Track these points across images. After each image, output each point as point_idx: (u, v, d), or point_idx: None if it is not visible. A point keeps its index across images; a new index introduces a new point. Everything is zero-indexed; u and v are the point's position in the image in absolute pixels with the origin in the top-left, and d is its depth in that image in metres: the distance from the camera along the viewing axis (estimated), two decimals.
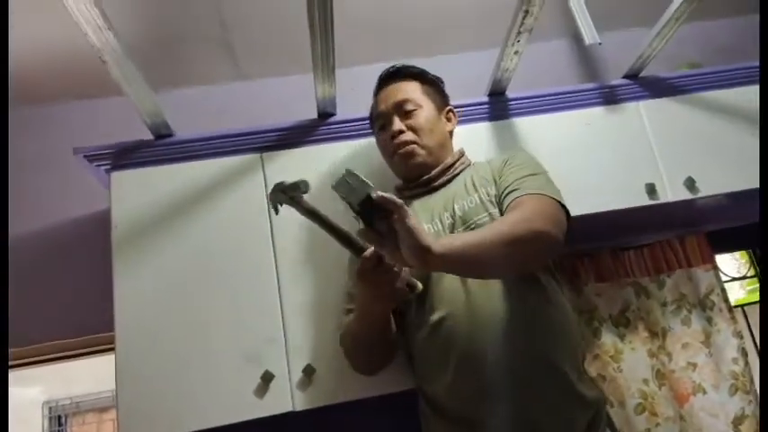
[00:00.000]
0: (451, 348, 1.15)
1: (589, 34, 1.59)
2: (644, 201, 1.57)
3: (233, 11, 1.75)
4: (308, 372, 1.39)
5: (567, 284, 1.74)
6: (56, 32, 1.70)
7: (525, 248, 1.07)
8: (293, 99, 1.87)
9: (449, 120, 1.43)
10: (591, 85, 1.71)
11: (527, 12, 1.37)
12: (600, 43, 1.60)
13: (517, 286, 1.17)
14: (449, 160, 1.37)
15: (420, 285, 1.09)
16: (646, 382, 1.68)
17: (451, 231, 1.24)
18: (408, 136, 1.34)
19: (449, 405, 1.17)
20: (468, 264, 1.02)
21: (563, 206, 1.19)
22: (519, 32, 1.44)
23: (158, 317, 1.42)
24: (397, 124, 1.35)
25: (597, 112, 1.67)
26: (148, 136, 1.59)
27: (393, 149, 1.36)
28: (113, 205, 1.51)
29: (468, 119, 1.63)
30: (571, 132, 1.63)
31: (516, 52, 1.51)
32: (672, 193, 1.59)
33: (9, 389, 1.67)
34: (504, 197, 1.21)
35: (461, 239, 1.07)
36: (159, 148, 1.56)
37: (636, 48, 1.69)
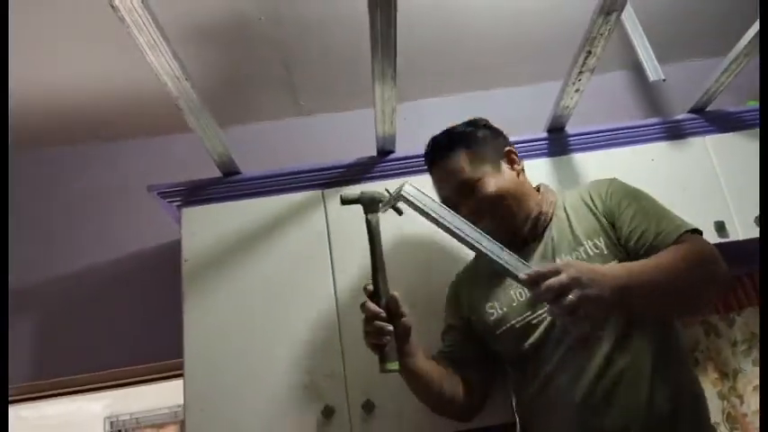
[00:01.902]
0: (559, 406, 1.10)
1: (653, 70, 1.56)
2: (713, 239, 1.52)
3: (295, 51, 1.82)
4: (368, 407, 1.40)
5: None
6: (128, 73, 1.80)
7: (705, 270, 1.01)
8: (352, 132, 1.93)
9: (512, 162, 1.29)
10: (654, 120, 1.68)
11: (590, 52, 1.36)
12: (664, 80, 1.57)
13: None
14: (534, 210, 1.23)
15: (393, 368, 1.06)
16: (717, 425, 1.61)
17: None
18: (483, 213, 1.20)
19: None
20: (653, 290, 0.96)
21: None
22: (581, 72, 1.43)
23: (224, 347, 1.47)
24: (466, 210, 1.20)
25: (662, 147, 1.64)
26: (216, 172, 1.66)
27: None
28: (184, 239, 1.58)
29: (526, 154, 1.63)
30: (635, 168, 1.60)
31: (577, 90, 1.51)
32: (742, 230, 1.53)
33: (73, 404, 1.77)
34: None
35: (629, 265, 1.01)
36: (227, 185, 1.63)
37: (699, 80, 1.66)
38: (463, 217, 1.08)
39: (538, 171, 1.61)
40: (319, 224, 1.59)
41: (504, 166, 1.28)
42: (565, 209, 1.24)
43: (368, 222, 1.10)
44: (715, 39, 1.61)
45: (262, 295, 1.52)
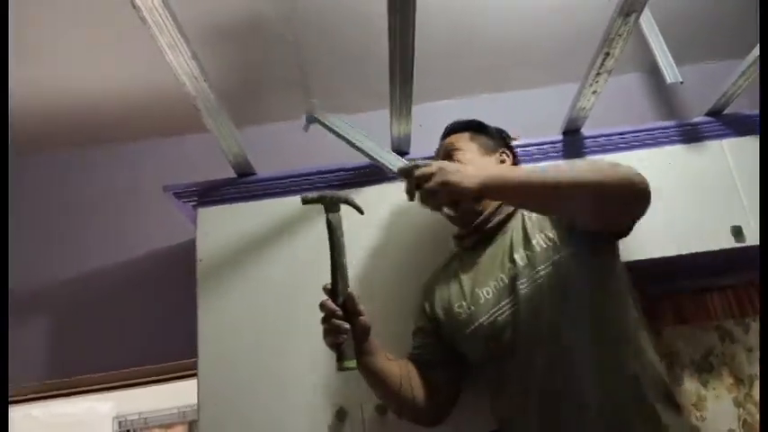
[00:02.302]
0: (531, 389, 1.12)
1: (670, 72, 1.55)
2: (730, 243, 1.51)
3: (309, 53, 1.82)
4: (381, 409, 1.39)
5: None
6: (143, 74, 1.81)
7: (613, 183, 1.04)
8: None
9: (502, 162, 1.36)
10: (671, 123, 1.66)
11: (608, 54, 1.36)
12: (681, 82, 1.56)
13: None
14: (494, 203, 1.29)
15: (350, 366, 1.07)
16: None
17: (513, 285, 1.17)
18: None
19: None
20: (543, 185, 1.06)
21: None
22: (598, 73, 1.43)
23: (238, 347, 1.47)
24: None
25: (678, 150, 1.63)
26: (230, 172, 1.66)
27: None
28: (198, 240, 1.58)
29: (542, 157, 1.63)
30: (652, 171, 1.54)
31: (594, 92, 1.50)
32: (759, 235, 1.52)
33: (84, 403, 1.78)
34: None
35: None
36: (242, 185, 1.63)
37: (716, 82, 1.64)
38: None
39: None
40: None
41: (491, 158, 1.36)
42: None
43: (328, 222, 1.13)
44: (732, 40, 1.59)
45: (275, 295, 1.52)
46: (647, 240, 1.51)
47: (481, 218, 1.28)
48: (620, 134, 1.64)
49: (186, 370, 1.74)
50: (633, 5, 1.22)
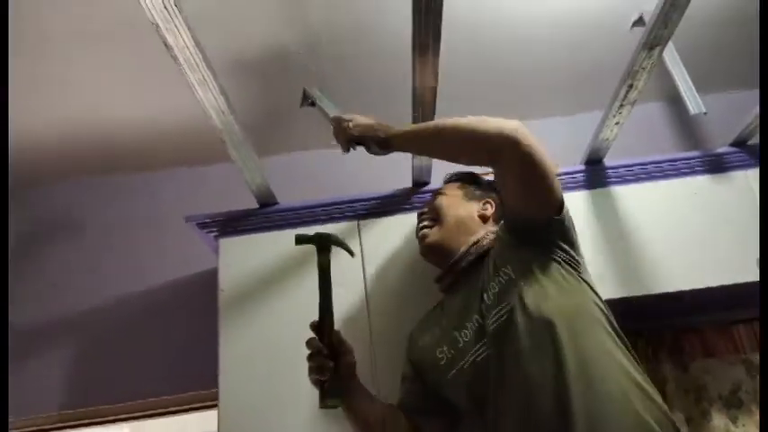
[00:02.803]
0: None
1: (693, 104, 1.54)
2: (755, 276, 1.49)
3: (330, 83, 1.83)
4: None
5: (670, 360, 1.66)
6: (166, 105, 1.84)
7: (483, 129, 1.10)
8: (387, 163, 1.92)
9: (484, 209, 1.35)
10: (695, 153, 1.66)
11: (631, 86, 1.36)
12: (705, 113, 1.55)
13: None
14: (471, 239, 1.27)
15: (332, 404, 1.08)
16: None
17: (484, 326, 1.13)
18: (425, 217, 1.39)
19: None
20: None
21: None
22: (621, 105, 1.43)
23: (260, 378, 1.47)
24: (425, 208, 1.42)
25: (703, 180, 1.61)
26: (251, 201, 1.67)
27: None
28: (221, 270, 1.58)
29: (564, 187, 1.61)
30: (676, 202, 1.58)
31: (617, 123, 1.50)
32: None
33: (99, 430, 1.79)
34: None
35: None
36: (264, 215, 1.64)
37: (739, 111, 1.64)
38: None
39: (576, 204, 1.60)
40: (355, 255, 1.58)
41: (473, 204, 1.36)
42: None
43: (319, 262, 1.16)
44: (756, 69, 1.59)
45: (297, 326, 1.47)
46: (673, 273, 1.50)
47: (454, 258, 1.28)
48: (644, 164, 1.63)
49: (206, 401, 1.73)
50: (657, 39, 1.23)
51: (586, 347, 1.03)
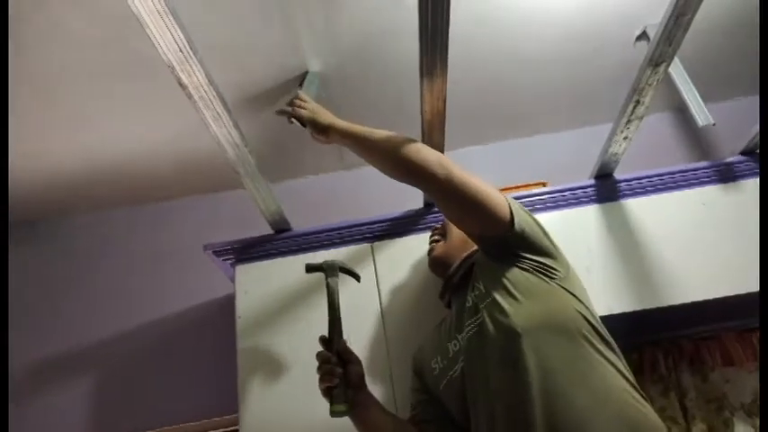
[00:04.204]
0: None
1: (701, 115, 1.55)
2: None
3: (339, 108, 1.86)
4: None
5: (689, 370, 1.65)
6: (180, 135, 1.87)
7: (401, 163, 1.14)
8: (397, 184, 1.95)
9: None
10: (704, 163, 1.66)
11: (638, 102, 1.37)
12: (714, 124, 1.55)
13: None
14: (464, 254, 1.31)
15: (339, 410, 1.13)
16: None
17: (468, 343, 1.15)
18: (435, 233, 1.46)
19: None
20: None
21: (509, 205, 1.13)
22: (629, 120, 1.44)
23: (280, 401, 1.48)
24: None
25: (712, 191, 1.61)
26: (265, 226, 1.69)
27: None
28: (237, 296, 1.60)
29: (574, 202, 1.63)
30: (686, 213, 1.58)
31: (626, 138, 1.51)
32: None
33: None
34: None
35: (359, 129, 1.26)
36: (278, 241, 1.66)
37: (747, 118, 1.64)
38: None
39: (588, 218, 1.61)
40: (369, 276, 1.60)
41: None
42: None
43: (328, 286, 1.30)
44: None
45: (314, 347, 1.52)
46: (689, 284, 1.50)
47: (449, 272, 1.33)
48: (653, 176, 1.63)
49: (228, 426, 1.74)
50: (662, 56, 1.24)
51: (553, 358, 1.01)
